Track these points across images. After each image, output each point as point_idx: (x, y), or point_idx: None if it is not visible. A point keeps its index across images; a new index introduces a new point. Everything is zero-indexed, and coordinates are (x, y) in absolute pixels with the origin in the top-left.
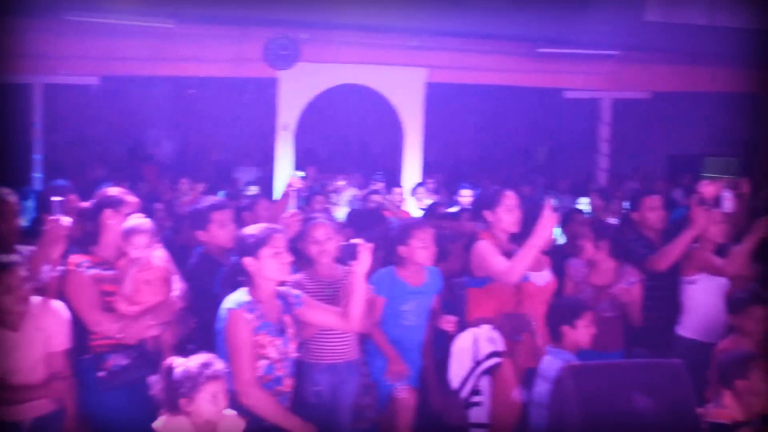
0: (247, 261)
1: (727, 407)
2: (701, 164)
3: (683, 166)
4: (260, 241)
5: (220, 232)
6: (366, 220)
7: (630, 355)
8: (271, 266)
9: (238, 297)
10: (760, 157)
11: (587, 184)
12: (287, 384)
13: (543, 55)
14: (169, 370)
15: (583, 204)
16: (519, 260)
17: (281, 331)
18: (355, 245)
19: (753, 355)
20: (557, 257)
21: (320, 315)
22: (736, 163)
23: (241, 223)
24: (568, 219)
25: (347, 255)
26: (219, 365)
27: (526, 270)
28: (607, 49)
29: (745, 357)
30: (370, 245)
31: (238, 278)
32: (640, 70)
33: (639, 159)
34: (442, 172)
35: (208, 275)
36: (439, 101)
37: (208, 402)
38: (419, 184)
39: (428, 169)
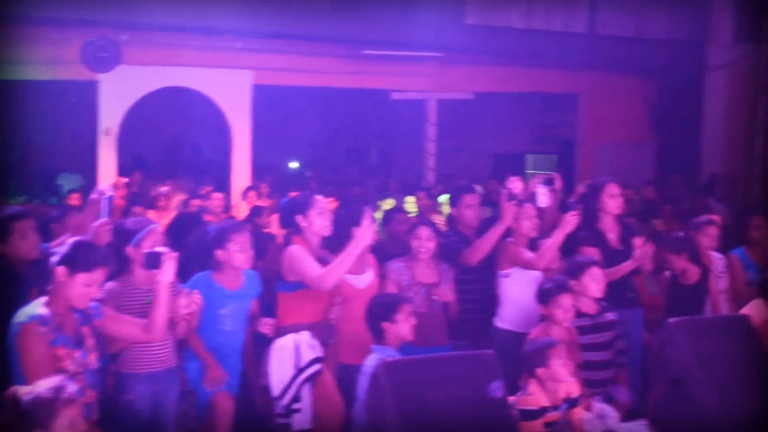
0: (60, 270)
1: (532, 394)
2: (524, 162)
3: (507, 164)
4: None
5: (21, 244)
6: (183, 226)
7: (454, 349)
8: (77, 290)
9: (30, 310)
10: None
11: (417, 184)
12: (90, 395)
13: (369, 57)
14: (15, 400)
15: (410, 203)
16: (334, 268)
17: (79, 343)
18: (159, 253)
19: (552, 343)
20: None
21: (121, 327)
22: (555, 160)
23: (48, 234)
24: (390, 218)
25: (151, 263)
26: (72, 388)
27: (345, 274)
28: (430, 51)
29: (544, 346)
30: (175, 254)
31: (42, 283)
32: (463, 72)
33: (465, 158)
34: (274, 175)
35: (10, 290)
36: (271, 104)
37: (67, 428)
38: (250, 188)
39: (261, 173)
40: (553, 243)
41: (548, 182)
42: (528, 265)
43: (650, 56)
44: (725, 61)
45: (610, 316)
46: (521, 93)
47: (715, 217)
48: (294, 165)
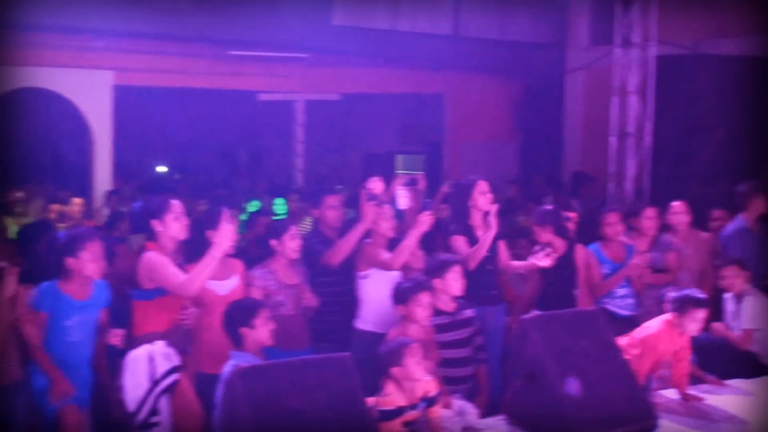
0: None
1: (389, 394)
2: (394, 162)
3: (377, 164)
4: None
5: None
6: (35, 233)
7: (316, 351)
8: None
9: None
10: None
11: (287, 185)
12: None
13: (234, 58)
14: None
15: (279, 205)
16: (198, 273)
17: None
18: None
19: (406, 342)
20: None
21: None
22: (424, 160)
23: None
24: (254, 221)
25: None
26: None
27: (208, 279)
28: (297, 52)
29: (398, 345)
30: (15, 268)
31: None
32: (331, 73)
33: (335, 159)
34: (139, 178)
35: None
36: (136, 105)
37: None
38: (112, 192)
39: (127, 176)
40: (408, 243)
41: (410, 183)
42: (385, 266)
43: (513, 58)
44: (583, 64)
45: (468, 313)
46: (389, 93)
47: (571, 214)
48: (162, 168)
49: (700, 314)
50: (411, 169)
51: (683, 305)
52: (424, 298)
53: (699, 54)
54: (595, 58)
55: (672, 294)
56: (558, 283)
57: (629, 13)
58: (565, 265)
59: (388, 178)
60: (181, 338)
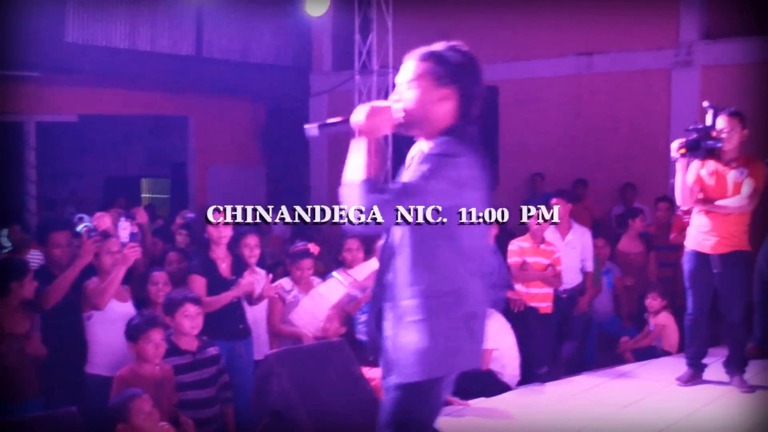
0: None
1: None
2: (139, 185)
3: (120, 188)
4: None
5: None
6: None
7: (50, 402)
8: None
9: None
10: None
11: (18, 214)
12: None
13: None
14: None
15: (5, 237)
16: None
17: None
18: None
19: (134, 394)
20: None
21: None
22: (170, 184)
23: None
24: None
25: None
26: None
27: None
28: (26, 71)
29: (124, 400)
30: None
31: None
32: (65, 93)
33: (73, 183)
34: None
35: None
36: None
37: None
38: None
39: None
40: (112, 278)
41: (129, 216)
42: (94, 306)
43: (256, 80)
44: (326, 88)
45: (212, 351)
46: (132, 115)
47: (312, 246)
48: None
49: None
50: (157, 193)
51: None
52: (155, 335)
53: None
54: (337, 83)
55: None
56: None
57: (368, 40)
58: None
59: (133, 202)
60: None
